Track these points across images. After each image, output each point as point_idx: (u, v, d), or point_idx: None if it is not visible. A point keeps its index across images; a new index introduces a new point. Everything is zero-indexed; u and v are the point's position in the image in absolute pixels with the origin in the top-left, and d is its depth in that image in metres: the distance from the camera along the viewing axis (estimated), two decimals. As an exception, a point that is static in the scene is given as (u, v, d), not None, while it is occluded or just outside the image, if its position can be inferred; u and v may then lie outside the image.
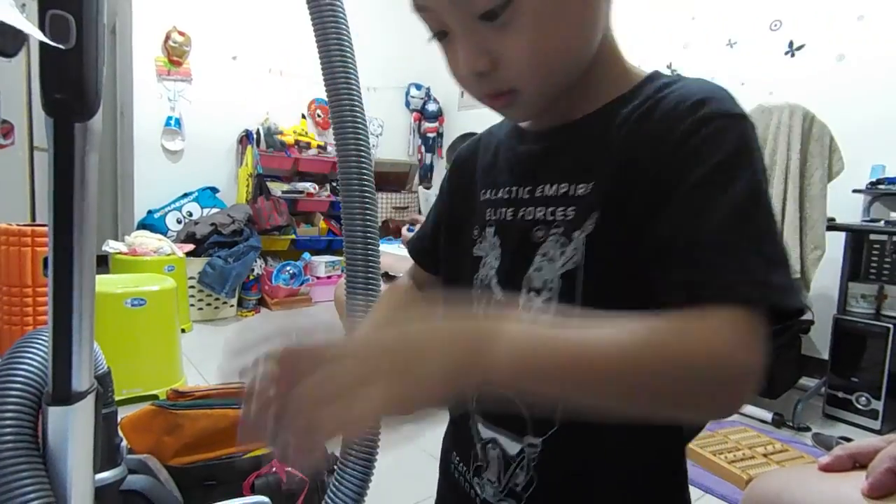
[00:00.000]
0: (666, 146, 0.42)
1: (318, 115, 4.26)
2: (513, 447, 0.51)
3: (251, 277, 3.61)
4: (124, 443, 0.76)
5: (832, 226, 2.21)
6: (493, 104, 0.48)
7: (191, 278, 3.21)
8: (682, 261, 0.39)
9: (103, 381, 0.71)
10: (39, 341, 0.61)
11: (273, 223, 3.77)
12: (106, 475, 0.70)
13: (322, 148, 4.09)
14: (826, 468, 0.54)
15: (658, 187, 0.41)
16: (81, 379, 0.57)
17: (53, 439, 0.56)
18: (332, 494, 0.69)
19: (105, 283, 2.07)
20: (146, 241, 2.93)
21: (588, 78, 0.48)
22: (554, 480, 0.49)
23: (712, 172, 0.39)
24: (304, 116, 4.23)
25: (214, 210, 3.71)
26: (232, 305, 3.47)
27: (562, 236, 0.47)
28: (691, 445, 1.82)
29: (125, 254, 2.88)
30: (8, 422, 0.54)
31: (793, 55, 2.79)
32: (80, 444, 0.56)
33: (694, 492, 1.65)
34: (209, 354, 2.71)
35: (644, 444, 0.48)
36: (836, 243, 2.27)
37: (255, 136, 3.86)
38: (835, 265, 2.31)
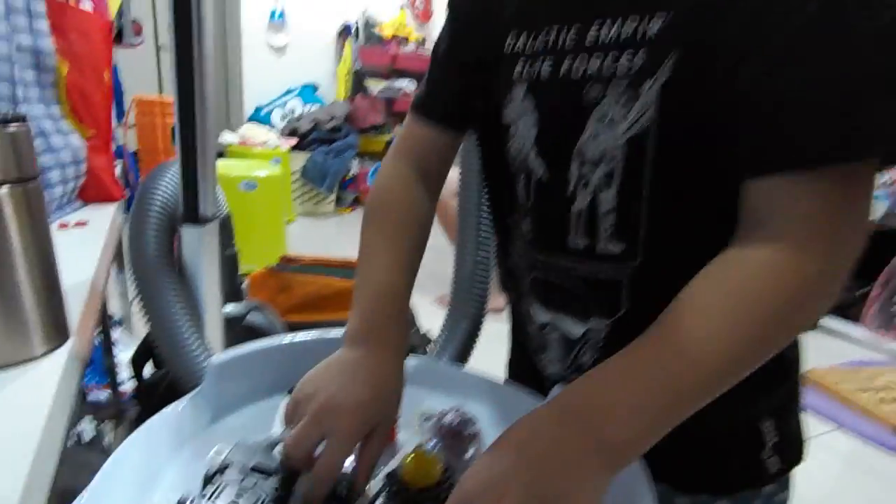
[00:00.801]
0: None
1: (418, 6, 4.10)
2: (576, 329, 0.47)
3: (348, 177, 3.75)
4: (246, 283, 0.83)
5: None
6: None
7: (294, 172, 3.40)
8: (759, 124, 0.34)
9: (226, 223, 0.77)
10: (170, 172, 0.67)
11: (370, 122, 3.82)
12: (231, 308, 0.78)
13: (420, 43, 3.97)
14: None
15: (753, 21, 0.33)
16: (207, 205, 0.62)
17: (188, 257, 0.62)
18: (441, 344, 0.72)
19: (220, 167, 2.24)
20: (255, 133, 3.11)
21: None
22: None
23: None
24: (402, 8, 4.09)
25: (315, 107, 3.81)
26: (331, 202, 3.66)
27: (627, 90, 0.38)
28: (825, 380, 1.69)
29: (237, 145, 3.08)
30: (151, 239, 0.60)
31: None
32: (210, 263, 0.62)
33: (825, 424, 1.56)
34: (311, 245, 2.91)
35: None
36: None
37: (353, 29, 3.83)
38: None
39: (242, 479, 0.36)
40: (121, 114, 2.08)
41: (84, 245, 0.82)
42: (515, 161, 0.47)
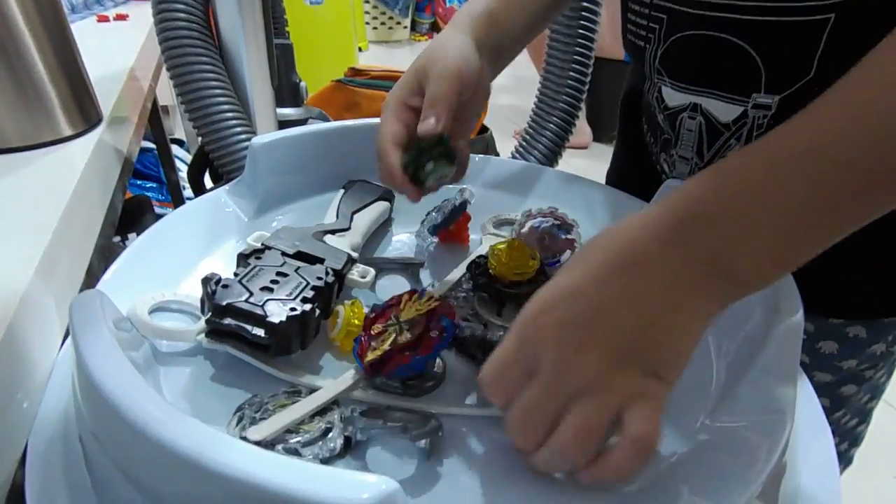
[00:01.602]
0: None
1: None
2: (727, 112, 0.37)
3: (425, -4, 3.42)
4: (304, 84, 0.75)
5: None
6: None
7: (365, -9, 3.14)
8: None
9: (274, 2, 0.67)
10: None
11: (450, -76, 3.35)
12: (290, 111, 0.71)
13: None
14: None
15: None
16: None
17: (225, 29, 0.53)
18: (522, 150, 0.62)
19: (280, -23, 2.06)
20: (317, -61, 2.82)
21: None
22: None
23: None
24: None
25: None
26: (405, 27, 3.41)
27: None
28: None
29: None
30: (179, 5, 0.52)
31: None
32: (253, 37, 0.53)
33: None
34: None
35: None
36: None
37: None
38: None
39: (282, 264, 0.30)
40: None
41: (124, 38, 0.77)
42: None
